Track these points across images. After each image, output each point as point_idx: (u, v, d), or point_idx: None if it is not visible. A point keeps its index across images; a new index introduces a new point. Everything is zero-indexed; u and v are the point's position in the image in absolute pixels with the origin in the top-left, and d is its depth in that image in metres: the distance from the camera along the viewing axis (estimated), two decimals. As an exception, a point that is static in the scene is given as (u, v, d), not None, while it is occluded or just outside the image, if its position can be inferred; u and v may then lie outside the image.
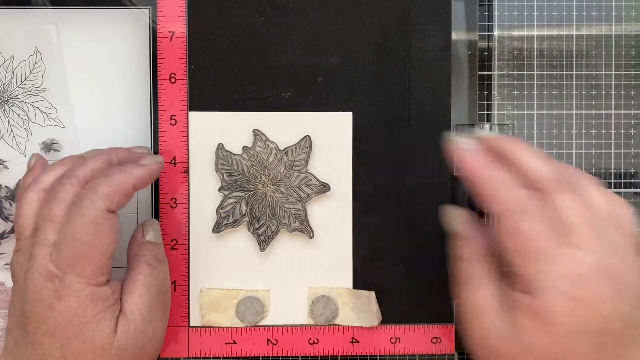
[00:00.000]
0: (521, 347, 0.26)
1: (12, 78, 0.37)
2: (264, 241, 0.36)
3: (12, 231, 0.37)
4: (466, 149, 0.29)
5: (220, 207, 0.36)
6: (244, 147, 0.36)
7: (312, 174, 0.36)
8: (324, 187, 0.36)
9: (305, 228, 0.36)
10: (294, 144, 0.36)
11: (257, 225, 0.36)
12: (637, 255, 0.27)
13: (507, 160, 0.29)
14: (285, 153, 0.36)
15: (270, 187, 0.36)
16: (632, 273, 0.26)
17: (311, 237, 0.36)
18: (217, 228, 0.36)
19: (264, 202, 0.36)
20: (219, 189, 0.36)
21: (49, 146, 0.37)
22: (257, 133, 0.36)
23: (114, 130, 0.37)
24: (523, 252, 0.26)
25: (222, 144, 0.36)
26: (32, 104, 0.37)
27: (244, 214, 0.36)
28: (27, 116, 0.37)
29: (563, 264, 0.25)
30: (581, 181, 0.27)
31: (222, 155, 0.36)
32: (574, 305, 0.25)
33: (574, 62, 0.37)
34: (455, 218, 0.33)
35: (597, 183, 0.28)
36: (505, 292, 0.28)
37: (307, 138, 0.36)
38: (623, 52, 0.37)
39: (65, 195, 0.29)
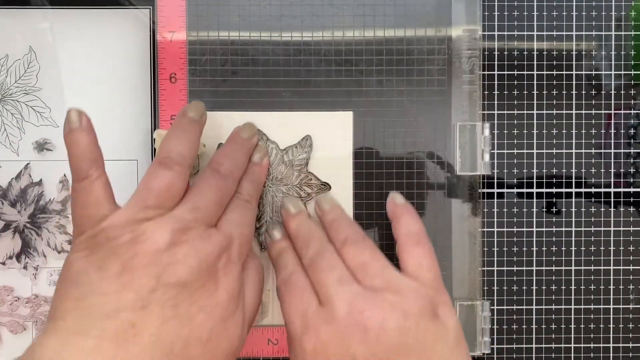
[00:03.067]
0: None
1: (6, 77, 0.39)
2: (264, 241, 0.39)
3: (4, 229, 0.39)
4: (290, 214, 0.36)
5: None
6: None
7: (312, 174, 0.38)
8: (325, 187, 0.39)
9: None
10: (295, 144, 0.38)
11: (257, 225, 0.39)
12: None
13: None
14: (285, 152, 0.38)
15: (270, 186, 0.39)
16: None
17: None
18: None
19: (264, 202, 0.38)
20: None
21: (42, 145, 0.39)
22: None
23: (112, 131, 0.39)
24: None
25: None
26: (26, 103, 0.39)
27: None
28: (21, 115, 0.39)
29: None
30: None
31: None
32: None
33: (574, 63, 0.40)
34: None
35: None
36: None
37: (307, 138, 0.39)
38: (623, 53, 0.40)
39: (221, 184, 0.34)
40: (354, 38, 0.39)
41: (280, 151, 0.38)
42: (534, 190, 0.40)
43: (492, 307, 0.40)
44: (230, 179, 0.34)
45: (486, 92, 0.40)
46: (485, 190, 0.40)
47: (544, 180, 0.40)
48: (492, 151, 0.40)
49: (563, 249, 0.40)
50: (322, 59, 0.39)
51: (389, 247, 0.39)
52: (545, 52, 0.40)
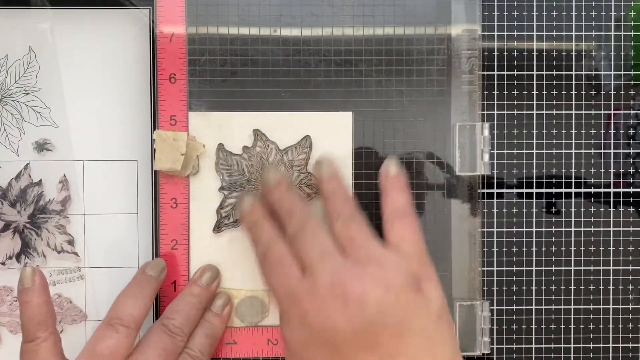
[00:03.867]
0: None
1: (6, 77, 0.39)
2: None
3: (4, 229, 0.39)
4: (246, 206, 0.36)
5: (220, 207, 0.39)
6: (244, 147, 0.39)
7: (312, 174, 0.39)
8: None
9: None
10: (294, 144, 0.39)
11: None
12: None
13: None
14: (285, 153, 0.39)
15: None
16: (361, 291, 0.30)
17: None
18: (218, 228, 0.39)
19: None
20: (219, 189, 0.39)
21: (41, 146, 0.39)
22: (257, 133, 0.39)
23: (112, 131, 0.40)
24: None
25: (222, 144, 0.39)
26: (26, 103, 0.39)
27: None
28: (21, 115, 0.39)
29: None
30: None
31: (222, 155, 0.39)
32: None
33: (574, 63, 0.40)
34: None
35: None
36: None
37: (307, 138, 0.39)
38: (622, 53, 0.40)
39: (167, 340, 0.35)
40: (354, 38, 0.39)
41: (279, 151, 0.39)
42: (534, 190, 0.40)
43: (492, 307, 0.40)
44: (179, 336, 0.35)
45: (486, 92, 0.40)
46: (485, 191, 0.40)
47: (544, 181, 0.40)
48: (492, 151, 0.40)
49: (563, 249, 0.40)
50: (321, 59, 0.39)
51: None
52: (545, 52, 0.40)
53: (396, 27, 0.39)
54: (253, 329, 0.39)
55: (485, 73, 0.40)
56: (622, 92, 0.40)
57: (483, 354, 0.40)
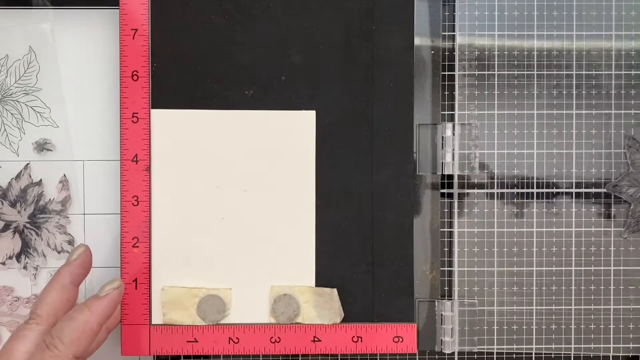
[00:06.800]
0: None
1: (6, 77, 0.39)
2: None
3: (4, 229, 0.39)
4: None
5: None
6: None
7: None
8: None
9: None
10: None
11: None
12: None
13: None
14: None
15: None
16: None
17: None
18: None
19: None
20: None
21: (41, 146, 0.40)
22: None
23: (112, 131, 0.40)
24: None
25: None
26: (26, 103, 0.40)
27: None
28: (21, 115, 0.40)
29: None
30: None
31: None
32: None
33: (574, 62, 0.40)
34: None
35: None
36: None
37: None
38: (623, 53, 0.40)
39: (28, 333, 0.32)
40: (318, 35, 0.39)
41: None
42: (534, 190, 0.40)
43: (492, 307, 0.40)
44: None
45: (486, 92, 0.40)
46: (486, 191, 0.40)
47: (544, 181, 0.40)
48: (491, 151, 0.40)
49: (563, 249, 0.40)
50: (285, 57, 0.39)
51: (352, 247, 0.39)
52: (545, 52, 0.40)
53: (360, 25, 0.39)
54: (214, 327, 0.39)
55: (448, 73, 0.40)
56: (622, 92, 0.40)
57: (482, 354, 0.40)
